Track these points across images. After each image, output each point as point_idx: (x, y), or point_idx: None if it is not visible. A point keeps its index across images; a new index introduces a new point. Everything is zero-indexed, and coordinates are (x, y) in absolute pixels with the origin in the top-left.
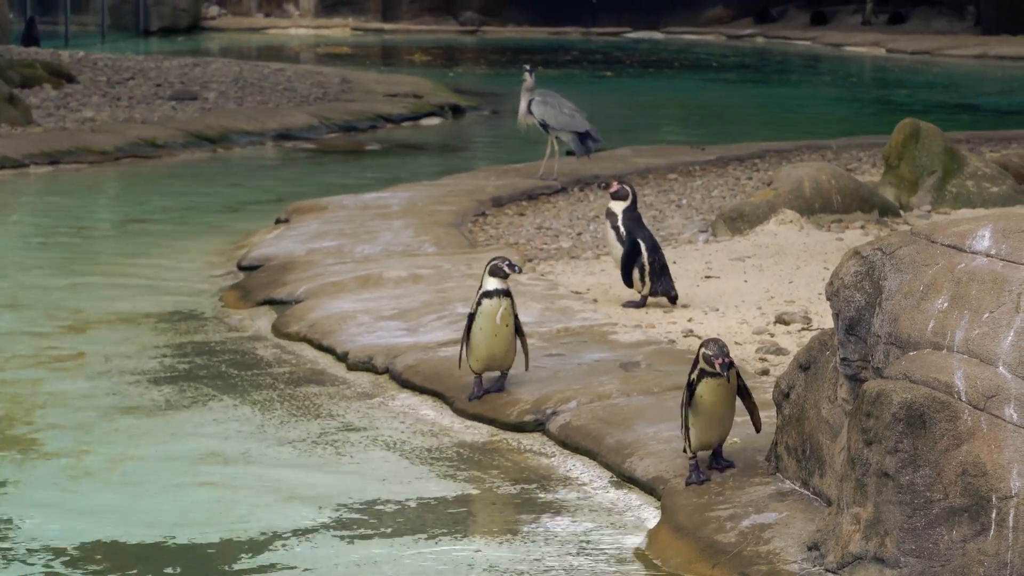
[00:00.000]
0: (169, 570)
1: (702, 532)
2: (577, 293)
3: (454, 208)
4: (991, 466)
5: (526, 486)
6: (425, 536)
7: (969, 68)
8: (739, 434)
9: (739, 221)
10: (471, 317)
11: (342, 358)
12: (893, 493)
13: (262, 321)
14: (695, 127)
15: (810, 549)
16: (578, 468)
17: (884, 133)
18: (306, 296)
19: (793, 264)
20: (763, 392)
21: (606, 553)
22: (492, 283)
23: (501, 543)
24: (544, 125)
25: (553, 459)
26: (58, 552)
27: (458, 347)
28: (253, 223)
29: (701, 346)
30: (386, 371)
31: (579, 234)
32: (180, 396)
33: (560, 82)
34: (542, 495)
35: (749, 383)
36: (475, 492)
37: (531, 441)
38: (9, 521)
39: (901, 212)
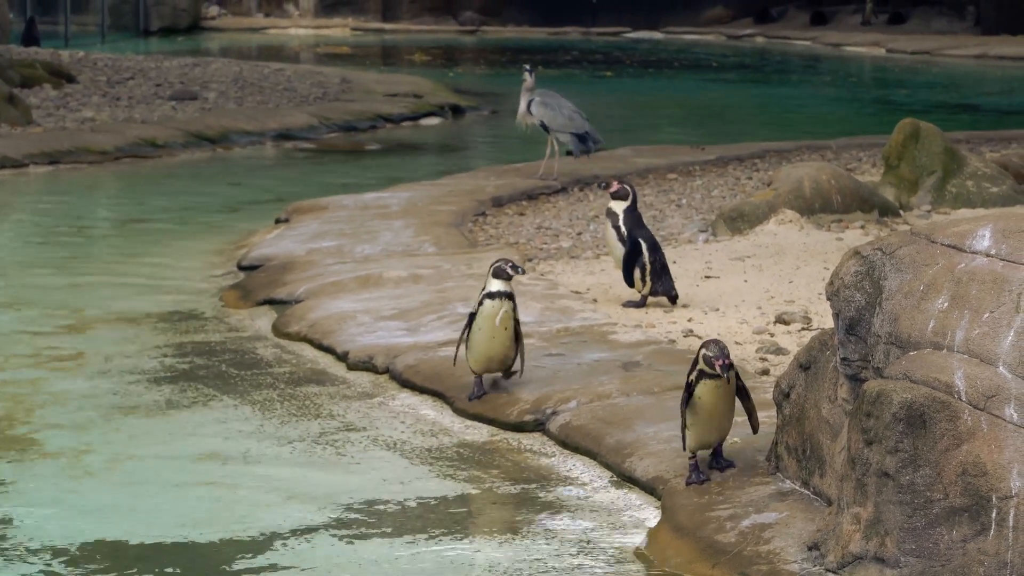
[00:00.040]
0: (169, 570)
1: (702, 532)
2: (577, 293)
3: (454, 208)
4: (991, 466)
5: (526, 486)
6: (425, 536)
7: (969, 68)
8: (739, 434)
9: (739, 221)
10: (471, 317)
11: (342, 358)
12: (893, 493)
13: (262, 321)
14: (695, 127)
15: (810, 549)
16: (578, 468)
17: (884, 133)
18: (306, 296)
19: (793, 264)
20: (763, 392)
21: (606, 553)
22: (495, 285)
23: (501, 543)
24: (544, 126)
25: (553, 459)
26: (58, 552)
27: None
28: (253, 223)
29: (701, 347)
30: (386, 371)
31: (579, 234)
32: (180, 396)
33: (560, 82)
34: (542, 495)
35: (749, 383)
36: (475, 492)
37: (531, 441)
38: (9, 521)
39: (901, 212)
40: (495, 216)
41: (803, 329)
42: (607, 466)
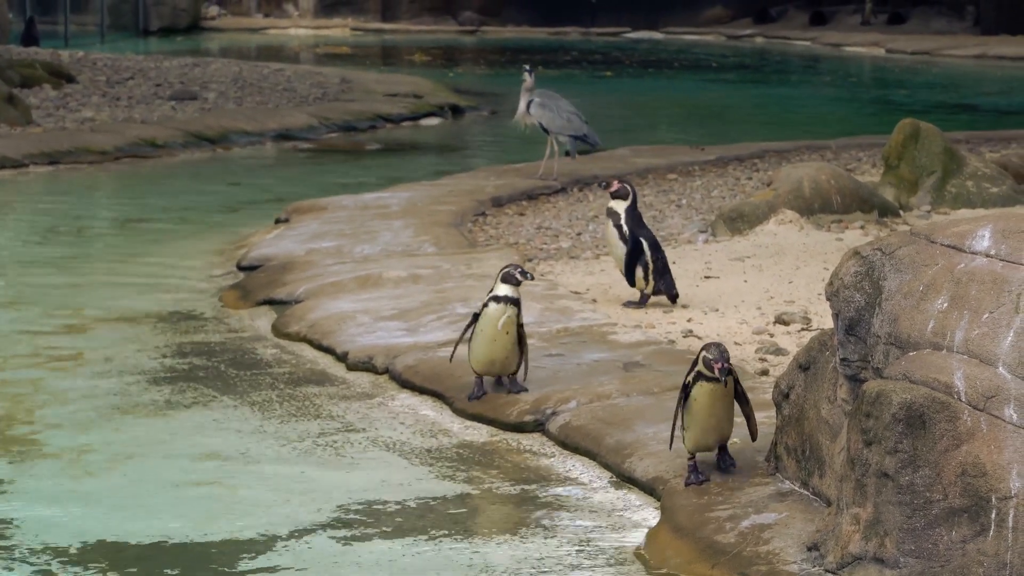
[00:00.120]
0: (169, 570)
1: (702, 532)
2: (577, 293)
3: (454, 208)
4: (991, 466)
5: (526, 486)
6: (425, 536)
7: (968, 68)
8: (738, 434)
9: (739, 221)
10: (475, 317)
11: (342, 358)
12: (893, 493)
13: (262, 321)
14: (695, 127)
15: (810, 549)
16: (578, 468)
17: (884, 133)
18: (306, 296)
19: (793, 264)
20: (763, 392)
21: (606, 553)
22: (502, 289)
23: (500, 543)
24: (543, 127)
25: (553, 459)
26: (58, 552)
27: (460, 345)
28: (253, 223)
29: (702, 349)
30: (386, 371)
31: (579, 234)
32: (180, 396)
33: (560, 82)
34: (542, 495)
35: (748, 383)
36: (475, 492)
37: (531, 441)
38: (9, 521)
39: (901, 212)
40: (495, 216)
41: (803, 329)
42: (607, 466)
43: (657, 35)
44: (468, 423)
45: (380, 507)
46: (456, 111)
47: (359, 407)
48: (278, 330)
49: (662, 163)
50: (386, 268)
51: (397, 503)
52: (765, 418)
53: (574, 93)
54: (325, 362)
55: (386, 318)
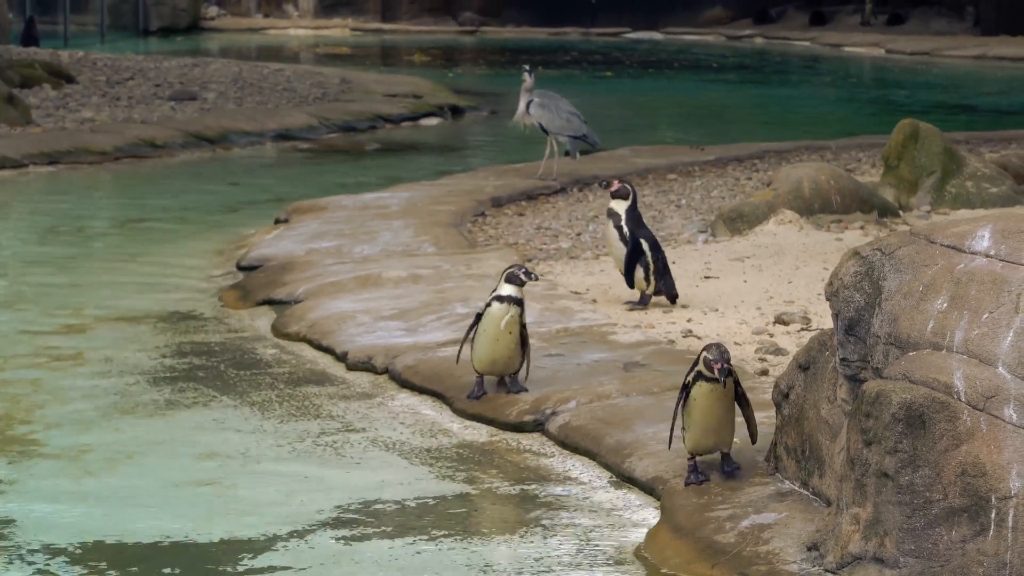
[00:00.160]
0: (169, 570)
1: (701, 532)
2: (576, 293)
3: (453, 208)
4: (990, 466)
5: (525, 486)
6: (425, 536)
7: (968, 69)
8: (738, 435)
9: (738, 221)
10: (478, 317)
11: (341, 358)
12: (892, 493)
13: (262, 321)
14: (695, 127)
15: (809, 549)
16: (577, 468)
17: (883, 133)
18: (305, 296)
19: (792, 264)
20: (762, 392)
21: (605, 553)
22: (506, 289)
23: (500, 543)
24: (542, 128)
25: (552, 459)
26: (58, 551)
27: (458, 346)
28: (252, 223)
29: (703, 349)
30: (385, 371)
31: (578, 234)
32: (179, 396)
33: (560, 82)
34: (541, 495)
35: (748, 383)
36: (474, 492)
37: (530, 441)
38: (9, 520)
39: (900, 212)
40: (494, 216)
41: (802, 329)
42: (606, 466)
43: (657, 35)
44: (468, 423)
45: (380, 507)
46: (456, 111)
47: (359, 407)
48: (278, 330)
49: (662, 163)
50: (386, 268)
51: (397, 503)
52: (765, 418)
53: (574, 93)
54: (325, 362)
55: (386, 318)
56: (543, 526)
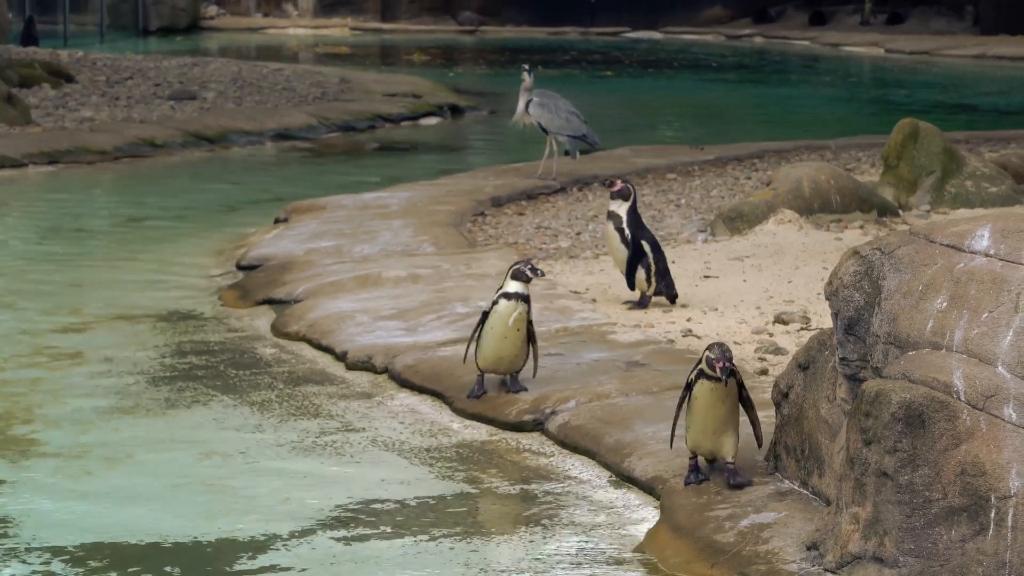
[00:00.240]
0: (168, 570)
1: (701, 532)
2: (576, 293)
3: (453, 208)
4: (990, 466)
5: (525, 486)
6: (424, 535)
7: (967, 68)
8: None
9: (738, 221)
10: (485, 315)
11: (341, 358)
12: (892, 493)
13: (261, 321)
14: (694, 127)
15: (809, 549)
16: (577, 468)
17: (883, 133)
18: (305, 296)
19: (792, 264)
20: (762, 392)
21: (605, 553)
22: (513, 286)
23: (500, 543)
24: (542, 127)
25: (552, 459)
26: (57, 551)
27: (459, 345)
28: (252, 223)
29: (707, 348)
30: (385, 371)
31: (578, 234)
32: (179, 396)
33: (559, 82)
34: (541, 495)
35: (748, 383)
36: (474, 492)
37: (530, 441)
38: (8, 520)
39: (900, 212)
40: (494, 216)
41: (802, 329)
42: (606, 466)
43: (656, 35)
44: (467, 422)
45: (379, 506)
46: (455, 111)
47: (358, 406)
48: (277, 329)
49: (661, 163)
50: (385, 268)
51: (396, 502)
52: (764, 417)
53: (573, 93)
54: (324, 361)
55: (385, 318)
56: (543, 525)
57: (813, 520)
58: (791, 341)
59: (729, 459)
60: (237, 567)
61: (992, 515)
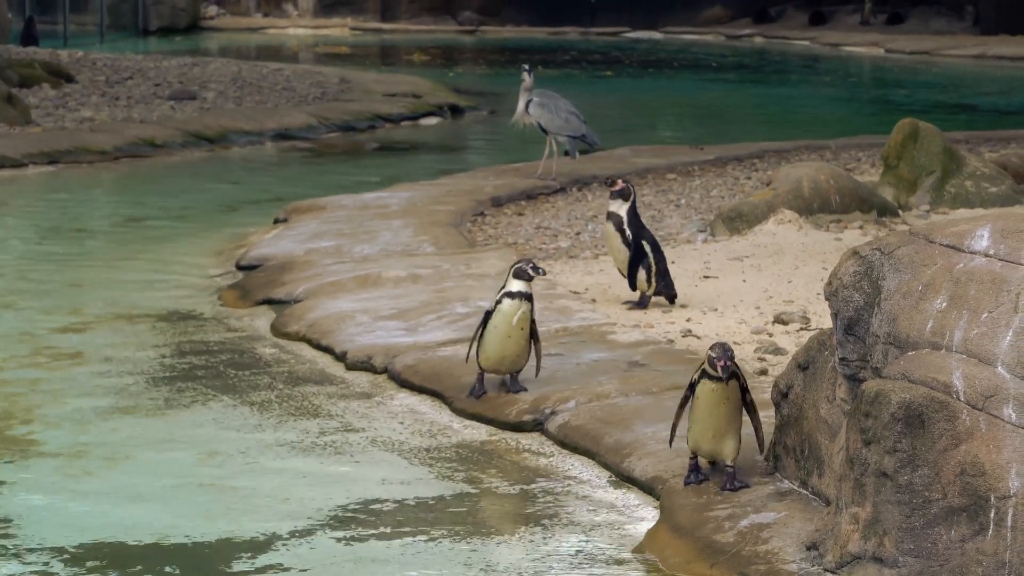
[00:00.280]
0: (168, 570)
1: (701, 532)
2: (575, 293)
3: (453, 208)
4: (989, 466)
5: (525, 486)
6: (424, 536)
7: (967, 68)
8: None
9: (738, 221)
10: (487, 314)
11: (341, 358)
12: (892, 493)
13: (261, 321)
14: (694, 127)
15: (809, 549)
16: (577, 468)
17: (883, 133)
18: (305, 296)
19: (792, 264)
20: (762, 392)
21: (605, 552)
22: (516, 285)
23: (499, 543)
24: (541, 127)
25: (552, 459)
26: (57, 551)
27: (459, 345)
28: (252, 223)
29: (709, 348)
30: (385, 371)
31: (577, 234)
32: (179, 396)
33: (559, 82)
34: (541, 495)
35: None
36: (474, 492)
37: (530, 441)
38: (8, 521)
39: (900, 212)
40: (494, 216)
41: (801, 329)
42: (606, 466)
43: (656, 35)
44: (467, 422)
45: (379, 506)
46: (455, 111)
47: (358, 406)
48: (277, 330)
49: (661, 163)
50: (385, 268)
51: (396, 502)
52: (764, 418)
53: (573, 93)
54: (324, 362)
55: (385, 318)
56: (542, 525)
57: (813, 520)
58: (791, 341)
59: (729, 462)
60: (237, 567)
61: (992, 515)
